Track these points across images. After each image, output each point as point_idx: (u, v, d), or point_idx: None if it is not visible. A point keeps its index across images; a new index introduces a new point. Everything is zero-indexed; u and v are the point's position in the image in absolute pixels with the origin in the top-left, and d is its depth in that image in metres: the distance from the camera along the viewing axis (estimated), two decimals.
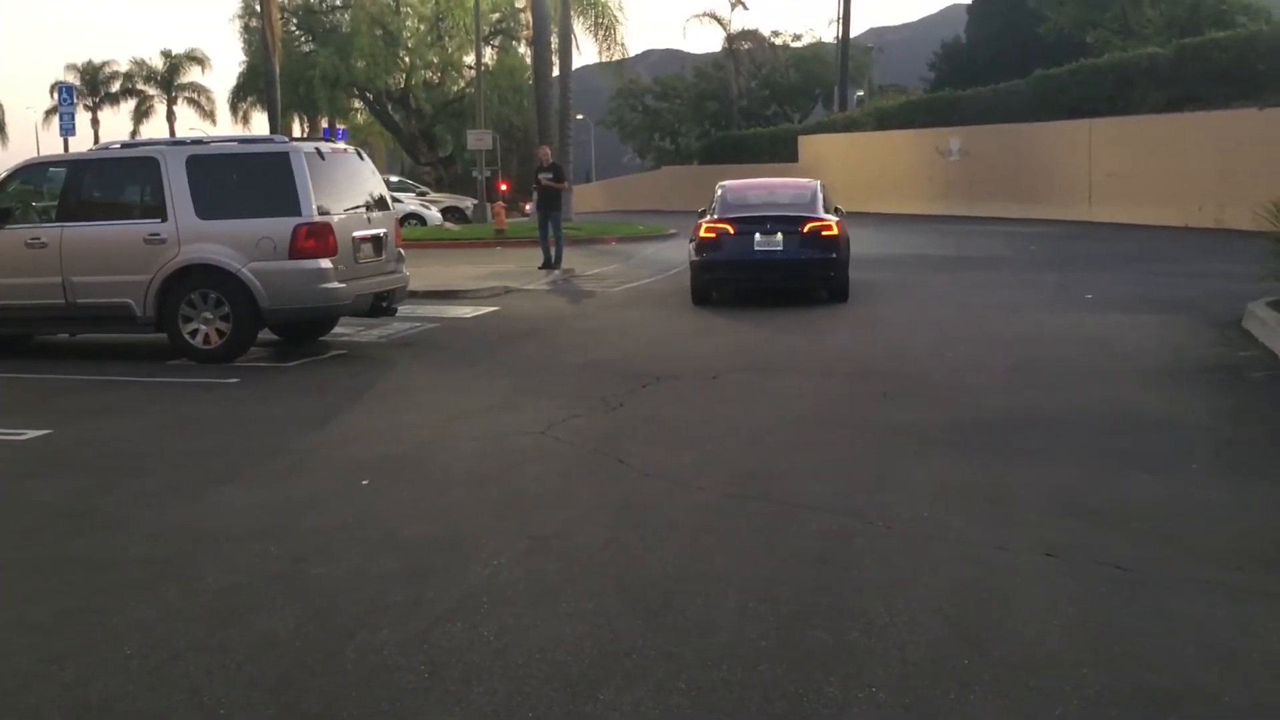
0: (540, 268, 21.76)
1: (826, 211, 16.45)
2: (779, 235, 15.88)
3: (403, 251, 13.86)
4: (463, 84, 53.66)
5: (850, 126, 45.24)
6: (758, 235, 15.93)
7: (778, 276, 16.15)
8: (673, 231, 32.01)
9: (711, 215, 16.53)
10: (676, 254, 24.54)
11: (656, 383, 10.32)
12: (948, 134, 37.41)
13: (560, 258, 22.15)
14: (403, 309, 14.21)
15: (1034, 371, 10.47)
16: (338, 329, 13.95)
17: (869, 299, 16.37)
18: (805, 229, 15.86)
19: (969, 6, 55.44)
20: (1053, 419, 8.49)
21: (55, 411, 9.80)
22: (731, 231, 16.01)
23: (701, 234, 16.29)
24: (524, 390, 10.25)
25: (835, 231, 16.01)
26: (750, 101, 65.95)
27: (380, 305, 13.14)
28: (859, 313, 15.12)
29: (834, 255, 15.95)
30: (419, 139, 54.83)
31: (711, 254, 16.15)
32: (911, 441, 7.92)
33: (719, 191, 17.37)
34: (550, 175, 22.62)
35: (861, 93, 62.66)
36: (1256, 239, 14.57)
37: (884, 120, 43.26)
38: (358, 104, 56.13)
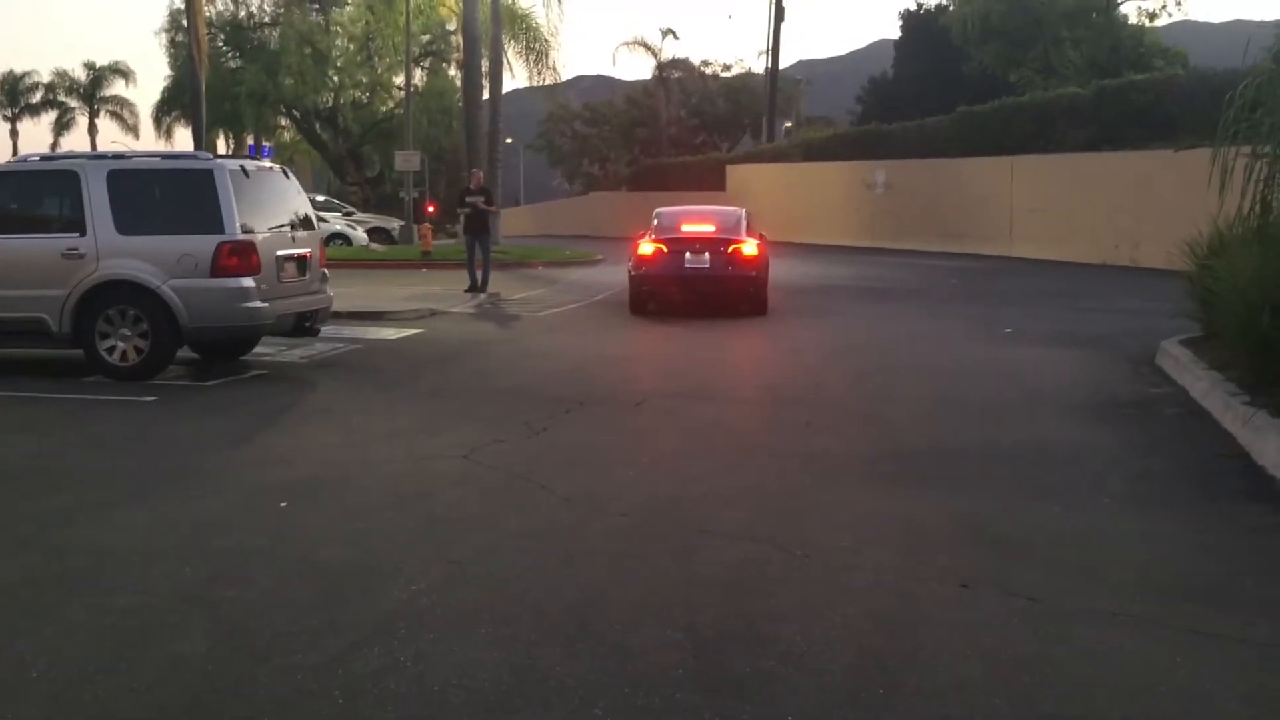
0: (466, 291, 21.72)
1: (749, 235, 18.48)
2: (706, 254, 18.13)
3: (327, 272, 13.76)
4: (392, 104, 53.40)
5: (778, 157, 45.71)
6: (687, 254, 18.08)
7: (704, 290, 18.14)
8: (600, 257, 32.11)
9: (649, 236, 18.54)
10: (603, 279, 24.64)
11: (580, 408, 10.32)
12: (873, 167, 37.90)
13: (487, 281, 22.14)
14: (326, 330, 14.09)
15: (952, 403, 10.61)
16: (259, 349, 13.79)
17: (793, 327, 16.57)
18: (729, 249, 18.00)
19: (896, 43, 56.34)
20: (969, 451, 8.61)
21: None
22: (665, 250, 18.16)
23: (639, 252, 18.45)
24: (447, 414, 10.21)
25: (756, 253, 18.16)
26: (679, 129, 66.41)
27: (303, 325, 13.04)
28: (783, 342, 15.27)
29: (754, 273, 18.12)
30: (346, 158, 54.44)
31: (648, 269, 18.30)
32: (830, 471, 7.99)
33: (655, 217, 19.33)
34: (480, 198, 22.58)
35: (789, 124, 63.35)
36: (1170, 278, 14.92)
37: (811, 152, 43.75)
38: (285, 122, 55.62)
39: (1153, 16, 43.40)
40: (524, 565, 5.87)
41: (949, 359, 13.34)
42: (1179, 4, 42.95)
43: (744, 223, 18.80)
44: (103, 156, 12.87)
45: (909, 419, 9.88)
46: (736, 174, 45.82)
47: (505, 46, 39.52)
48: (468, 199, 22.64)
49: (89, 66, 70.38)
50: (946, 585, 5.54)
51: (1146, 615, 5.14)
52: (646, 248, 18.28)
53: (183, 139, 56.27)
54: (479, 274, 22.05)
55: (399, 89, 49.88)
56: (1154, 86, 30.49)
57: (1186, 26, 53.67)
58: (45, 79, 71.07)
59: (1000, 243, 31.87)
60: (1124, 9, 43.25)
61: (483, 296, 21.32)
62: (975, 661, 4.63)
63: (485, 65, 36.78)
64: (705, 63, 69.80)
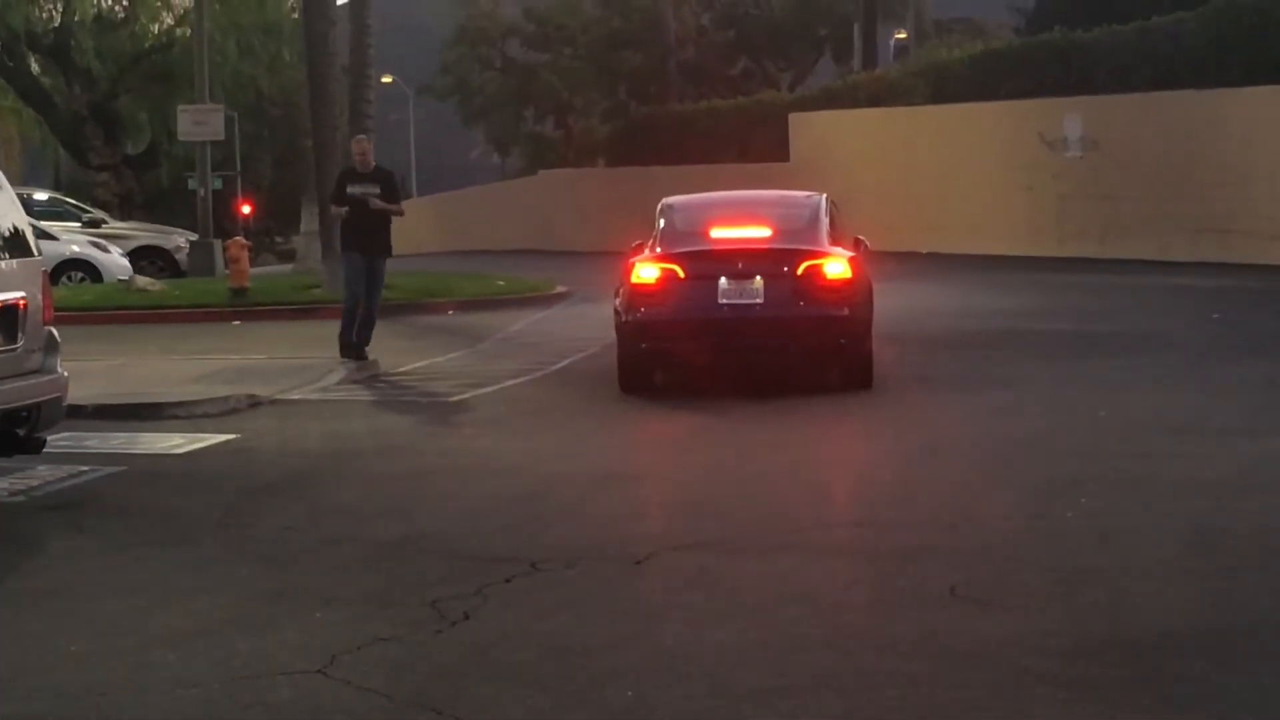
0: (346, 356, 21.37)
1: (835, 243, 18.58)
2: (758, 280, 17.92)
3: (55, 333, 13.77)
4: (170, 21, 53.93)
5: (882, 95, 45.95)
6: (724, 280, 18.16)
7: (756, 344, 18.19)
8: (561, 289, 32.26)
9: (651, 249, 18.52)
10: (568, 331, 24.79)
11: (532, 573, 10.31)
12: (1060, 109, 38.04)
13: (367, 338, 21.73)
14: (57, 439, 14.08)
15: (1223, 545, 10.63)
16: None
17: (922, 411, 16.65)
18: (800, 270, 18.04)
19: None
20: (1262, 637, 8.58)
21: None
22: (683, 275, 18.25)
23: (635, 279, 18.32)
24: (285, 591, 10.19)
25: (849, 274, 18.08)
26: (702, 50, 66.87)
27: (13, 433, 13.03)
28: (905, 438, 15.30)
29: (846, 312, 18.14)
30: (88, 122, 54.83)
31: (651, 310, 18.25)
32: (1003, 682, 7.96)
33: (663, 212, 19.33)
34: (375, 188, 21.97)
35: (903, 34, 63.88)
36: None
37: (944, 84, 43.97)
38: None
39: None
40: None
41: (1213, 462, 13.35)
42: None
43: (825, 219, 18.96)
44: None
45: (1145, 577, 9.86)
46: (807, 128, 46.10)
47: None
48: (350, 190, 22.06)
49: None
50: None
51: None
52: (648, 271, 18.35)
53: None
54: (356, 325, 21.64)
55: None
56: None
57: None
58: None
59: None
60: None
61: (352, 366, 21.14)
62: None
63: None
64: None
